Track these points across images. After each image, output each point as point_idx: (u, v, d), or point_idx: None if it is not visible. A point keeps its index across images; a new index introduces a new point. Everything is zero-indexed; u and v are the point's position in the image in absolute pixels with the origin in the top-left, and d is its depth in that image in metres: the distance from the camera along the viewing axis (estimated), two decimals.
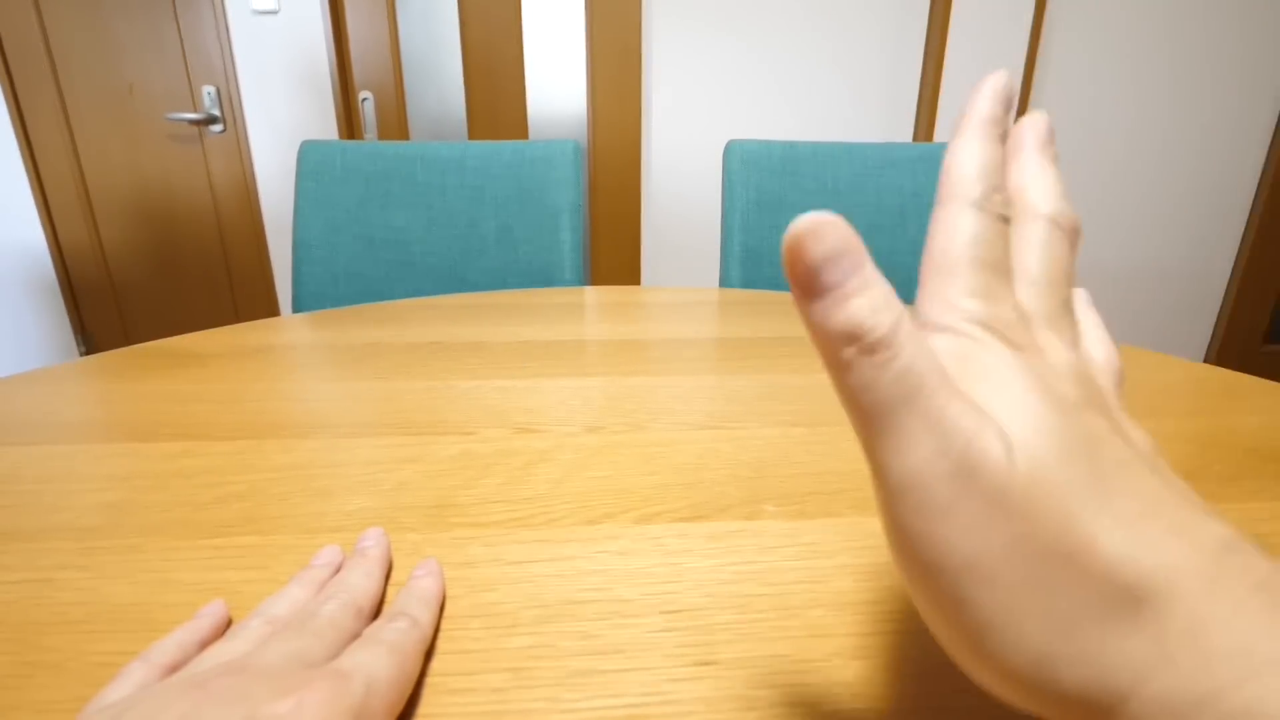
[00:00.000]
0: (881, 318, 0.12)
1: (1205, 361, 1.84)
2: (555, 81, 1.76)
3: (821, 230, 0.12)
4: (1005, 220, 0.15)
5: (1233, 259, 1.95)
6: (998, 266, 0.14)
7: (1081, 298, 0.18)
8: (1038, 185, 0.16)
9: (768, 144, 0.97)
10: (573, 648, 0.23)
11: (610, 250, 1.88)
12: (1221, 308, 2.00)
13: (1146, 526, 0.11)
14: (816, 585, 0.26)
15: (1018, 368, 0.13)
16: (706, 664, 0.22)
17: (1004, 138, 0.16)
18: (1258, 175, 1.87)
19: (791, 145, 0.97)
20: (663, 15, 1.67)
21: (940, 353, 0.13)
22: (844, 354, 0.13)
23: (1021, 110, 1.73)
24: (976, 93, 0.16)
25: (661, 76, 1.72)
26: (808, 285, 0.13)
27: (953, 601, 0.12)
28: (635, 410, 0.42)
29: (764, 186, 0.97)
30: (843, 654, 0.23)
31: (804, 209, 0.97)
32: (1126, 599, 0.11)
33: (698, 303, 0.72)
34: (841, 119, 1.76)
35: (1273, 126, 1.83)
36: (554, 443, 0.38)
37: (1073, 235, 0.16)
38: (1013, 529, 0.11)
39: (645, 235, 1.87)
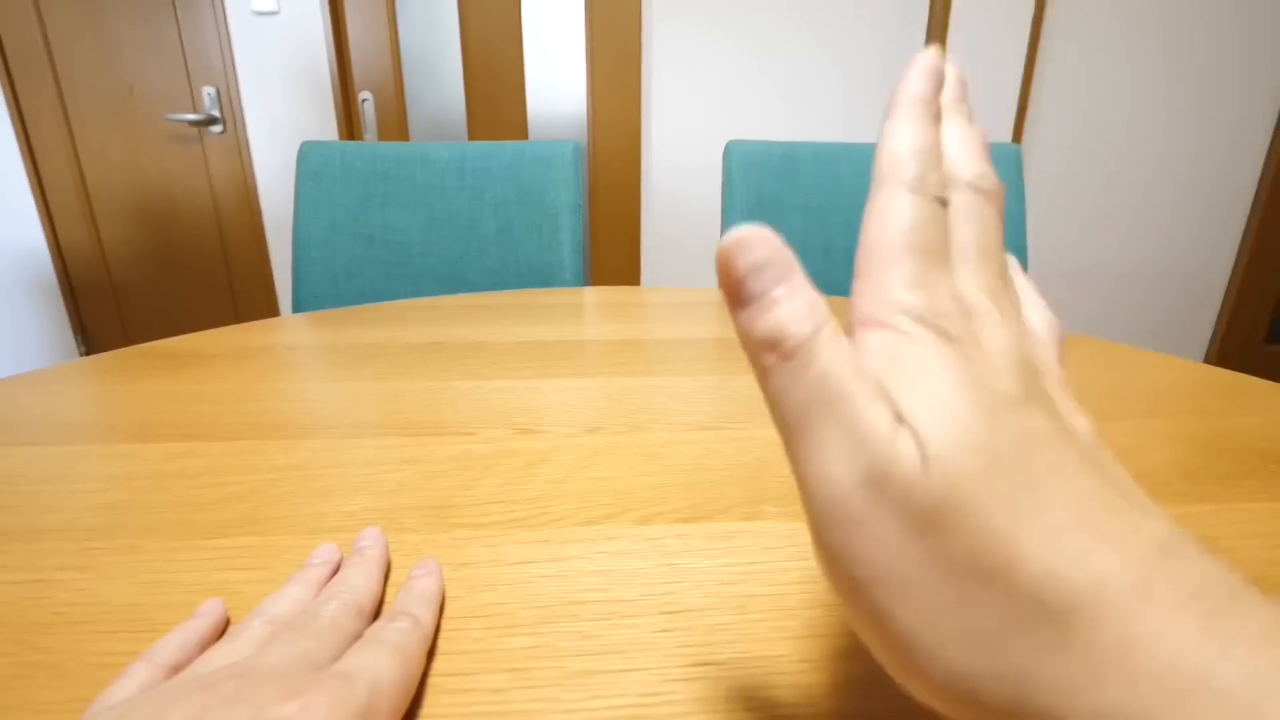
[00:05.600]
0: (801, 325, 0.12)
1: (1205, 361, 1.83)
2: (555, 81, 1.76)
3: (749, 242, 0.12)
4: (943, 203, 0.14)
5: (1233, 259, 1.95)
6: (933, 252, 0.13)
7: (1012, 264, 0.17)
8: (955, 150, 0.15)
9: (768, 144, 0.97)
10: (573, 648, 0.23)
11: (610, 250, 1.88)
12: (1221, 308, 2.00)
13: (1075, 536, 0.10)
14: (816, 585, 0.26)
15: (948, 365, 0.12)
16: (706, 664, 0.22)
17: (938, 117, 0.15)
18: (1258, 175, 1.87)
19: (791, 145, 0.97)
20: (663, 15, 1.67)
21: (870, 352, 0.12)
22: (766, 360, 0.13)
23: (1021, 111, 1.73)
24: (906, 72, 0.15)
25: (661, 76, 1.72)
26: (735, 294, 0.13)
27: (873, 615, 0.12)
28: (635, 410, 0.42)
29: (764, 186, 0.96)
30: (843, 654, 0.23)
31: (804, 209, 0.97)
32: (1052, 617, 0.10)
33: (698, 303, 0.72)
34: (841, 119, 1.76)
35: (1273, 126, 1.82)
36: (554, 443, 0.38)
37: (998, 199, 0.15)
38: (927, 544, 0.11)
39: (645, 235, 1.87)
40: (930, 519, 0.11)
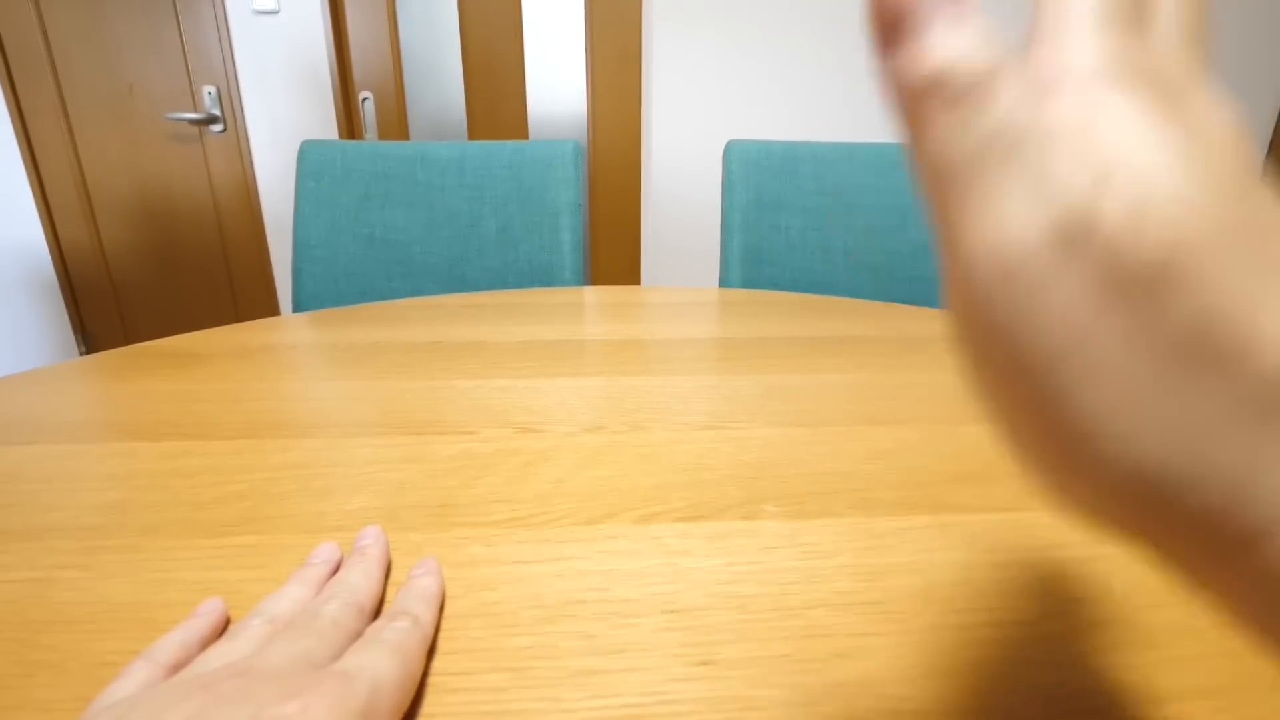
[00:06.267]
0: (976, 60, 0.10)
1: None
2: (555, 81, 1.76)
3: None
4: None
5: None
6: (1135, 14, 0.11)
7: None
8: None
9: (768, 144, 0.97)
10: (573, 648, 0.23)
11: (610, 250, 1.88)
12: None
13: None
14: (816, 585, 0.26)
15: (1168, 121, 0.10)
16: (706, 664, 0.22)
17: None
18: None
19: (791, 145, 0.97)
20: (663, 15, 1.67)
21: (1060, 109, 0.10)
22: (927, 105, 0.11)
23: None
24: None
25: (661, 76, 1.72)
26: (890, 29, 0.11)
27: (1041, 396, 0.10)
28: (635, 410, 0.42)
29: (764, 186, 0.97)
30: (843, 654, 0.23)
31: (804, 209, 0.97)
32: None
33: (698, 303, 0.72)
34: (841, 119, 1.76)
35: (1273, 126, 1.83)
36: (554, 443, 0.38)
37: None
38: (1136, 313, 0.09)
39: (645, 235, 1.87)
40: (1141, 285, 0.09)
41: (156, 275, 1.93)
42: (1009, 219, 0.10)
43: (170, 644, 0.21)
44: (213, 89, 1.74)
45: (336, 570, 0.26)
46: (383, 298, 0.97)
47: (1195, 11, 0.12)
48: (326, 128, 1.75)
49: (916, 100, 0.11)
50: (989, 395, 0.11)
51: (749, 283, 0.97)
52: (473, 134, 1.80)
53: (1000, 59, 0.10)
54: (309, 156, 0.94)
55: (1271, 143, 1.83)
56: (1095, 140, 0.10)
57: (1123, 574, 0.27)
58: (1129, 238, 0.09)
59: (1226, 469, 0.09)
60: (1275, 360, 0.09)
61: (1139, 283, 0.09)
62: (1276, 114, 1.81)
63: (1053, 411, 0.10)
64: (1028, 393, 0.10)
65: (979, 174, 0.10)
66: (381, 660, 0.19)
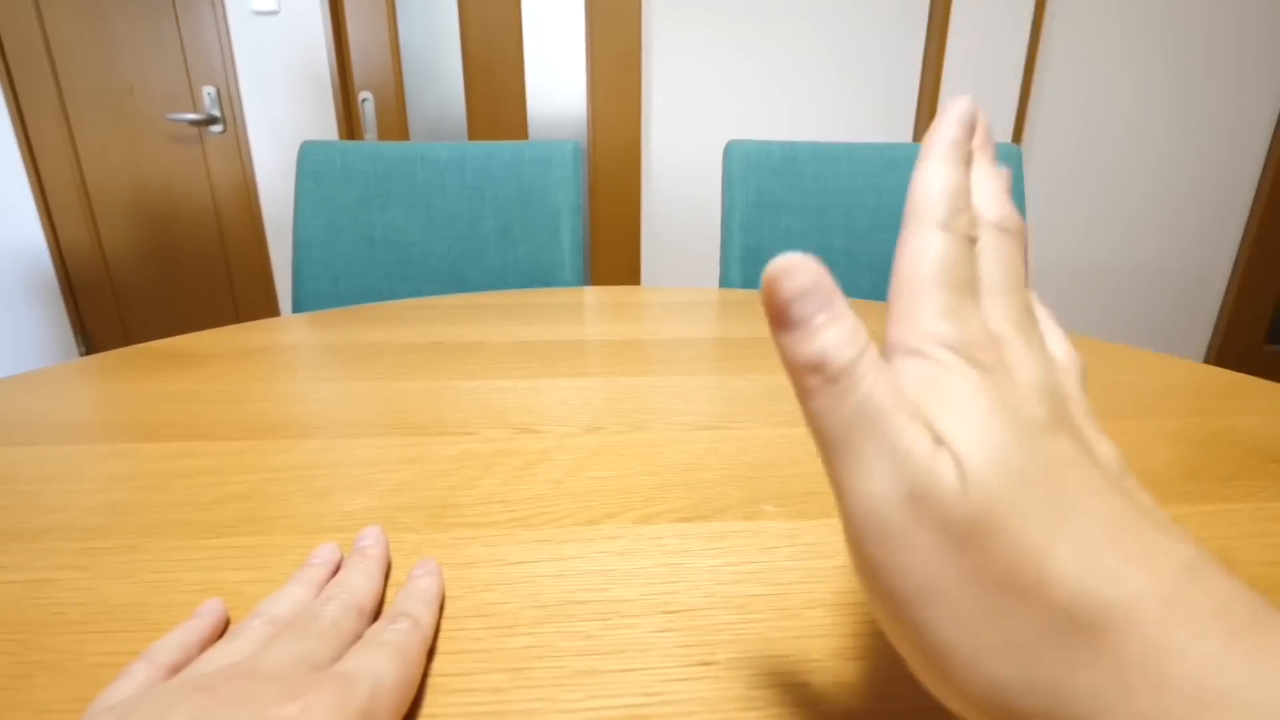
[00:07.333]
0: (845, 350, 0.13)
1: (1205, 361, 1.84)
2: (555, 81, 1.76)
3: (795, 269, 0.13)
4: (971, 240, 0.15)
5: (1233, 259, 1.95)
6: (964, 286, 0.14)
7: (1034, 298, 0.18)
8: (982, 192, 0.16)
9: (768, 144, 0.97)
10: (573, 648, 0.23)
11: (610, 250, 1.88)
12: (1221, 308, 2.00)
13: (1105, 553, 0.11)
14: (816, 585, 0.26)
15: (982, 392, 0.13)
16: (706, 664, 0.22)
17: (968, 161, 0.16)
18: (1258, 175, 1.87)
19: (791, 145, 0.97)
20: (663, 15, 1.67)
21: (906, 378, 0.13)
22: (809, 382, 0.13)
23: (1021, 111, 1.73)
24: (940, 117, 0.16)
25: (661, 76, 1.72)
26: (780, 319, 0.13)
27: (911, 627, 0.12)
28: (635, 410, 0.42)
29: (764, 186, 0.97)
30: (843, 654, 0.23)
31: (804, 209, 0.97)
32: (1084, 630, 0.11)
33: (698, 303, 0.72)
34: (841, 119, 1.76)
35: (1273, 126, 1.82)
36: (554, 443, 0.38)
37: (1020, 238, 0.16)
38: (966, 559, 0.12)
39: (645, 235, 1.87)
40: (968, 535, 0.12)
41: (156, 275, 1.93)
42: (873, 481, 0.13)
43: (170, 645, 0.21)
44: (212, 89, 1.74)
45: (336, 571, 0.26)
46: (383, 298, 0.97)
47: (1012, 269, 0.15)
48: (326, 128, 1.75)
49: (800, 374, 0.13)
50: (880, 620, 0.13)
51: (749, 283, 0.97)
52: (473, 134, 1.80)
53: (865, 348, 0.13)
54: (309, 157, 0.94)
55: (1272, 143, 1.83)
56: (927, 416, 0.13)
57: None
58: (956, 501, 0.12)
59: (1043, 683, 0.11)
60: (1066, 590, 0.11)
61: (966, 535, 0.12)
62: (1277, 114, 1.81)
63: (918, 638, 0.12)
64: (901, 622, 0.13)
65: (850, 441, 0.13)
66: (382, 662, 0.19)
